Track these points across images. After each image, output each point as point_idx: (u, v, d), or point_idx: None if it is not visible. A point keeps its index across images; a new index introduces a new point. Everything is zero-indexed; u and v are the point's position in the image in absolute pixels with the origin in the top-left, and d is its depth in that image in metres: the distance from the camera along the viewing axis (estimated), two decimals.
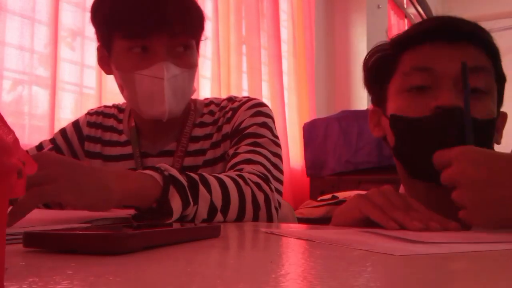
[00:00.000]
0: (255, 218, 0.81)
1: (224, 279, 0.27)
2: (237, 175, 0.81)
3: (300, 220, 1.78)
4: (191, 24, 0.90)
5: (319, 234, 0.54)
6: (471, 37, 0.76)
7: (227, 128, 0.98)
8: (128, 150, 1.02)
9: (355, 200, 0.70)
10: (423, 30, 0.78)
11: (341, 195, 2.03)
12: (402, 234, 0.52)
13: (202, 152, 0.98)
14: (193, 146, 0.99)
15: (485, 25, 0.80)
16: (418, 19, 4.78)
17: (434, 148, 0.65)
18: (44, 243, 0.37)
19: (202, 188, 0.72)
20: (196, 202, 0.71)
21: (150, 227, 0.45)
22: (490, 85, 0.76)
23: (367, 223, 0.67)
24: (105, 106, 1.12)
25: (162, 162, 0.96)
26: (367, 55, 0.86)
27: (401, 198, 0.66)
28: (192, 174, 0.74)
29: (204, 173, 0.76)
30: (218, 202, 0.74)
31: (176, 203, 0.67)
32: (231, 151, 0.93)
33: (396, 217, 0.61)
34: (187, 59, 0.91)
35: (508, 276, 0.30)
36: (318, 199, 2.16)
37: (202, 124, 1.01)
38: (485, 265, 0.34)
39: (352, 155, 2.53)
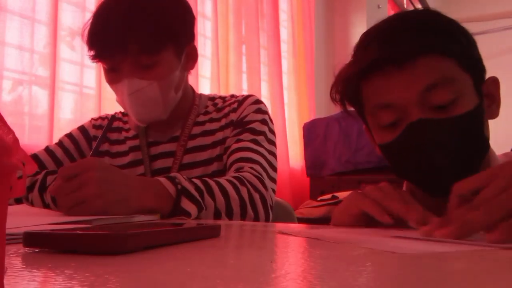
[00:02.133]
0: (256, 217, 0.87)
1: (224, 279, 0.27)
2: (234, 177, 0.89)
3: (300, 220, 1.78)
4: (152, 45, 0.94)
5: (327, 233, 0.55)
6: (419, 51, 0.71)
7: (233, 116, 1.06)
8: (137, 142, 1.09)
9: (352, 196, 0.70)
10: (365, 65, 0.74)
11: (341, 195, 2.03)
12: (403, 233, 0.53)
13: (211, 132, 1.06)
14: (200, 129, 1.07)
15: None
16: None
17: (421, 162, 0.64)
18: (44, 243, 0.37)
19: (207, 197, 0.82)
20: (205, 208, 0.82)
21: (150, 227, 0.45)
22: (457, 89, 0.71)
23: (365, 219, 0.68)
24: (107, 114, 1.20)
25: (171, 148, 1.06)
26: (332, 85, 0.83)
27: (399, 193, 0.66)
28: (198, 182, 0.83)
29: (207, 179, 0.85)
30: (222, 208, 0.84)
31: (192, 209, 0.79)
32: (231, 142, 1.01)
33: (392, 207, 0.61)
34: (154, 72, 0.96)
35: (508, 277, 0.30)
36: (318, 199, 2.16)
37: (206, 113, 1.10)
38: (485, 265, 0.34)
39: (352, 155, 2.53)
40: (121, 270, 0.29)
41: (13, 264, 0.31)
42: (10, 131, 0.22)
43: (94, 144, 1.09)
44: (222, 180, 0.87)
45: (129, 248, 0.36)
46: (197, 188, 0.82)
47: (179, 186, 0.79)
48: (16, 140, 0.22)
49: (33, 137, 1.51)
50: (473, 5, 5.03)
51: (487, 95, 0.76)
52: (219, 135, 1.05)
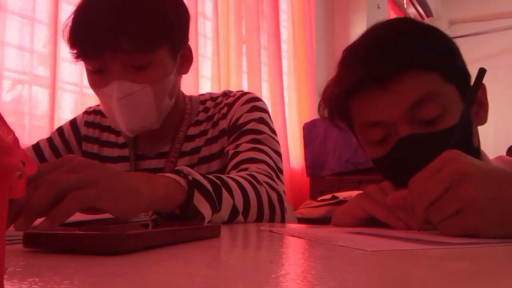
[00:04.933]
0: (271, 217, 0.80)
1: (224, 279, 0.27)
2: (249, 175, 0.80)
3: (300, 220, 1.78)
4: (146, 41, 0.83)
5: (312, 231, 0.56)
6: (401, 68, 0.70)
7: (223, 124, 0.97)
8: (125, 152, 1.02)
9: (357, 199, 0.70)
10: (349, 85, 0.73)
11: (341, 195, 2.03)
12: (404, 234, 0.53)
13: (197, 150, 0.98)
14: (189, 146, 0.98)
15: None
16: (418, 19, 4.78)
17: (412, 176, 0.65)
18: (44, 243, 0.37)
19: (225, 193, 0.71)
20: (220, 207, 0.69)
21: (150, 227, 0.45)
22: (443, 102, 0.70)
23: (370, 222, 0.68)
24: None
25: (158, 164, 0.96)
26: (320, 103, 0.83)
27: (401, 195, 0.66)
28: (213, 177, 0.71)
29: (222, 175, 0.75)
30: (240, 206, 0.74)
31: (205, 209, 0.65)
32: (230, 149, 0.92)
33: (401, 217, 0.62)
34: (148, 74, 0.85)
35: (508, 276, 0.30)
36: (318, 199, 2.16)
37: (197, 123, 1.00)
38: (485, 265, 0.34)
39: (352, 155, 2.53)
40: (121, 270, 0.29)
41: (13, 264, 0.31)
42: (10, 131, 0.22)
43: (84, 144, 1.04)
44: (237, 177, 0.77)
45: (129, 248, 0.36)
46: (211, 182, 0.69)
47: (190, 177, 0.65)
48: (16, 140, 0.22)
49: (33, 137, 1.51)
50: (473, 5, 5.03)
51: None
52: (205, 151, 0.97)
